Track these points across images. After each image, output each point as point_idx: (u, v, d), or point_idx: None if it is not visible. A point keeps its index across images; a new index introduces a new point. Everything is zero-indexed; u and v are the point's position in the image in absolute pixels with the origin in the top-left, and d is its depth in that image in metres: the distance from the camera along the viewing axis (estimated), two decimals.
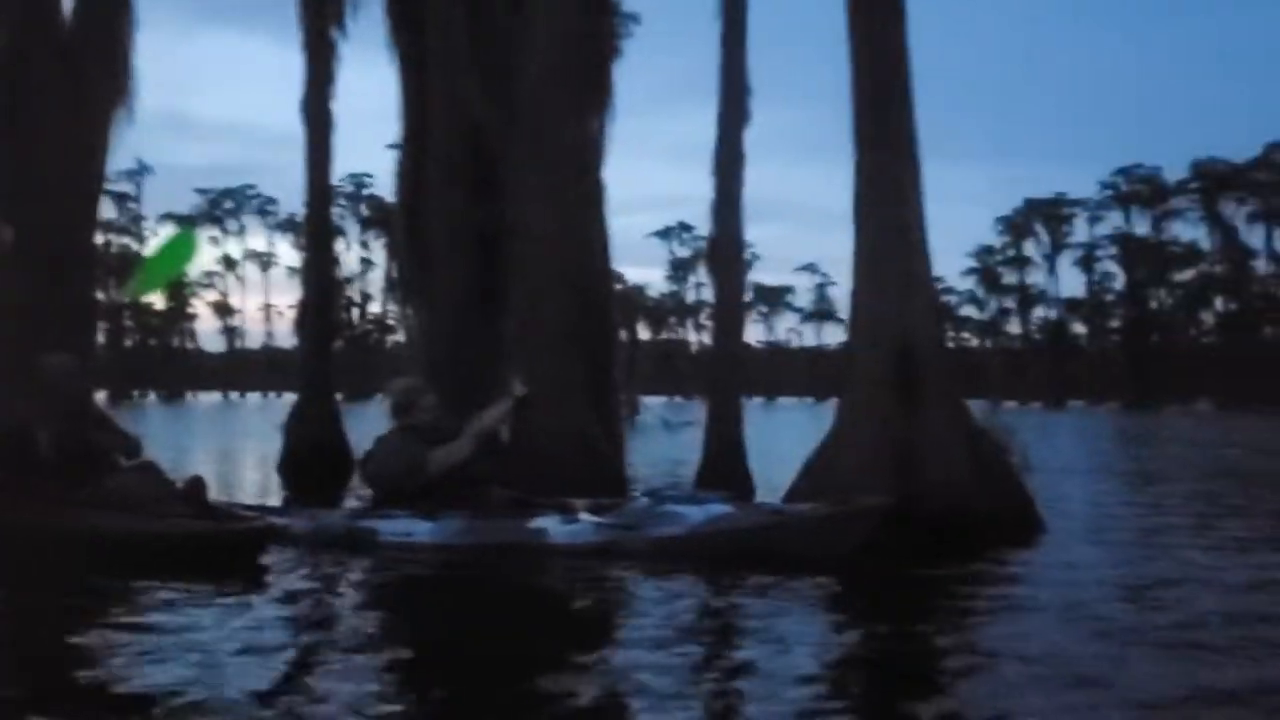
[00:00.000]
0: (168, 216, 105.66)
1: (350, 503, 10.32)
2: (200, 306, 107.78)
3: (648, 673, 4.57)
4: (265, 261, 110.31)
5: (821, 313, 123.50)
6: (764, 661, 4.82)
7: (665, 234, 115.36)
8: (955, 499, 8.70)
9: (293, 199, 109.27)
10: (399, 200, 13.76)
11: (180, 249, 8.18)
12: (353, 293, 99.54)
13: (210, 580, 6.43)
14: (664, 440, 18.58)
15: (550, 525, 7.43)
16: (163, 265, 7.97)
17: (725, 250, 12.30)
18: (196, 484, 7.48)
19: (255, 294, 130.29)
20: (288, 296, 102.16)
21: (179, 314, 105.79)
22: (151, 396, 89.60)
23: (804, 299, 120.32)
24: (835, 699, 4.41)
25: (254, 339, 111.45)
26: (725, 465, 11.80)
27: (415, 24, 12.39)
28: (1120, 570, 7.31)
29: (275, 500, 11.31)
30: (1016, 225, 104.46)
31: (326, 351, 17.00)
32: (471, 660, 4.93)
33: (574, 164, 11.12)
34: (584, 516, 7.49)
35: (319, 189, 16.80)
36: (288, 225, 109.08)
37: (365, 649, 5.05)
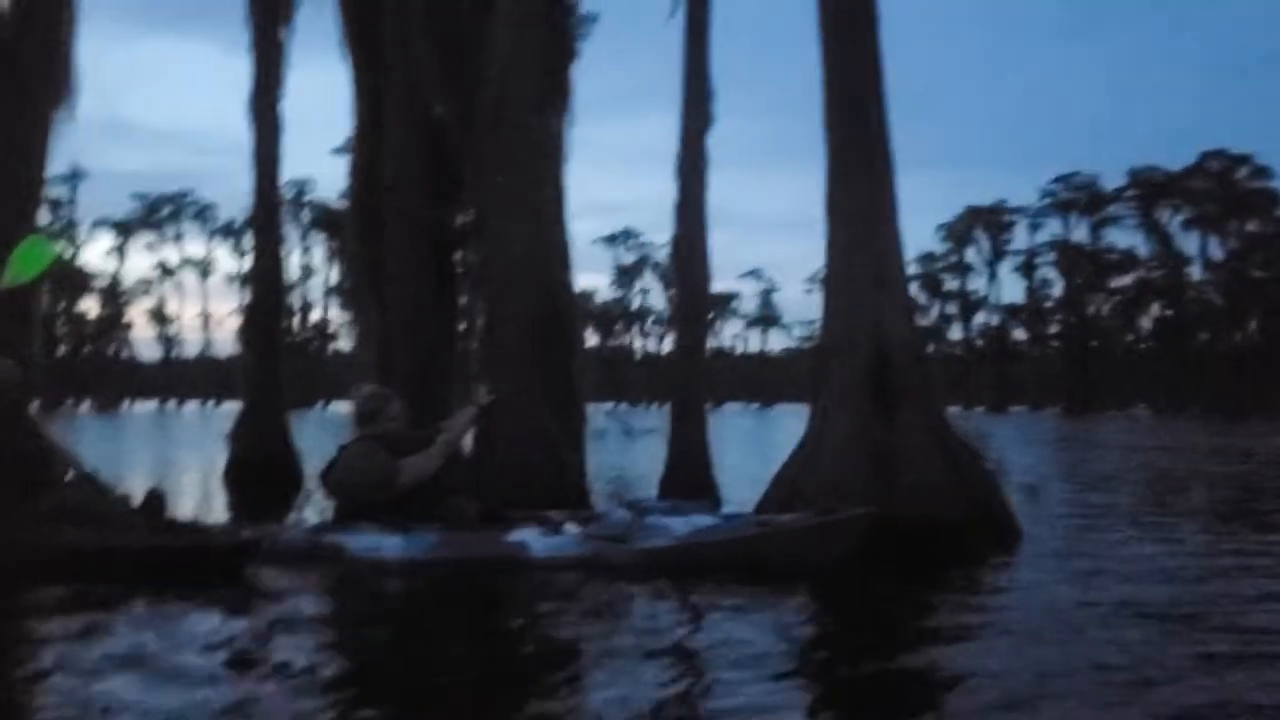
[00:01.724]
0: (103, 222, 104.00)
1: (306, 516, 9.92)
2: (136, 314, 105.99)
3: (615, 691, 4.39)
4: (204, 269, 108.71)
5: (766, 319, 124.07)
6: (742, 682, 4.59)
7: (610, 240, 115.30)
8: (933, 506, 8.53)
9: (232, 205, 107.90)
10: (351, 201, 13.41)
11: (34, 255, 7.88)
12: (293, 300, 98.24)
13: (193, 595, 6.20)
14: (622, 448, 18.31)
15: (530, 538, 7.13)
16: (16, 268, 7.74)
17: (688, 254, 12.05)
18: (155, 498, 7.16)
19: (193, 301, 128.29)
20: (226, 304, 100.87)
21: (114, 322, 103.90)
22: (86, 406, 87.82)
23: (749, 305, 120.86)
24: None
25: (192, 347, 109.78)
26: (689, 474, 11.57)
27: (370, 20, 12.04)
28: (1104, 585, 7.10)
29: (222, 514, 10.90)
30: (957, 232, 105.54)
31: (273, 358, 16.53)
32: (445, 682, 4.64)
33: (538, 165, 10.82)
34: (567, 529, 7.18)
35: (266, 191, 16.37)
36: (227, 231, 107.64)
37: (333, 671, 4.77)
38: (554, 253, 11.51)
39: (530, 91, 10.82)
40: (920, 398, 9.12)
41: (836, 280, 9.26)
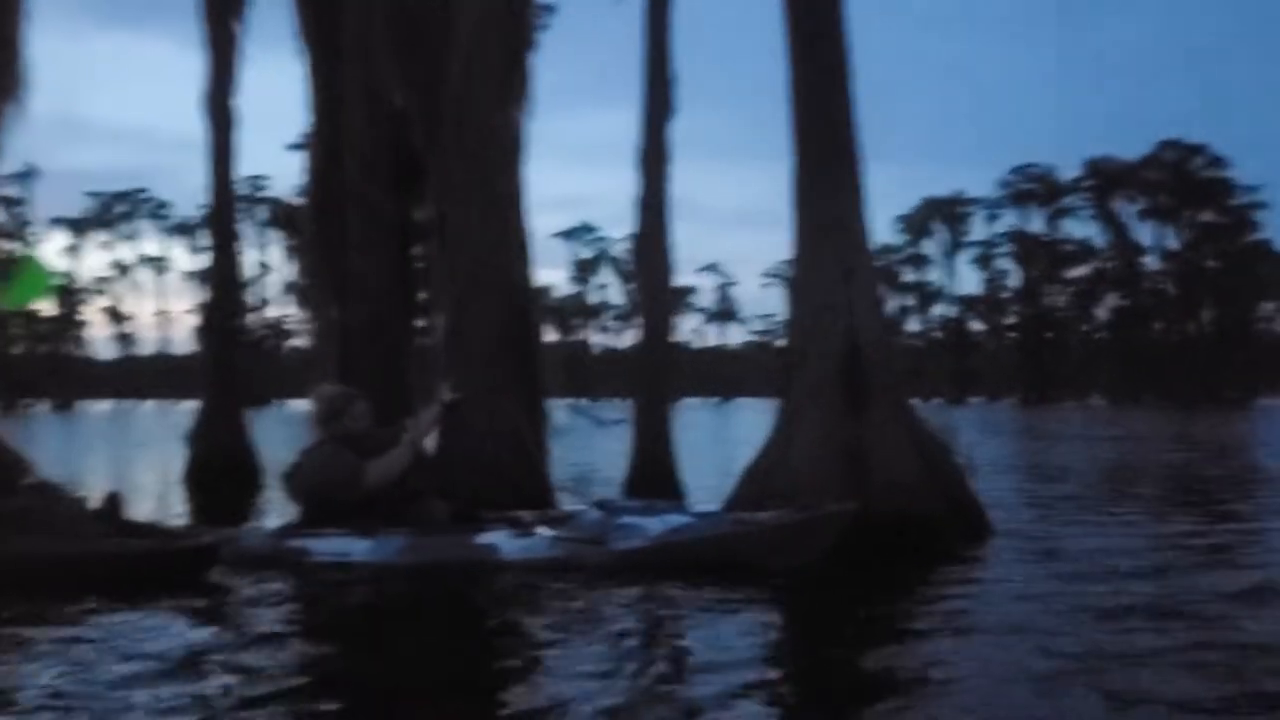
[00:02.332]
0: (58, 221, 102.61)
1: (269, 519, 9.69)
2: (92, 313, 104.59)
3: (587, 695, 4.28)
4: (159, 266, 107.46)
5: (724, 313, 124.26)
6: (717, 684, 4.48)
7: (568, 235, 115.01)
8: (905, 502, 8.42)
9: (186, 203, 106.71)
10: (308, 196, 13.15)
11: (33, 280, 7.82)
12: (249, 297, 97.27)
13: (152, 602, 6.02)
14: (583, 445, 18.20)
15: (501, 541, 6.95)
16: (16, 292, 7.70)
17: (651, 247, 11.92)
18: (113, 501, 6.94)
19: (149, 299, 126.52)
20: (183, 302, 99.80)
21: (70, 320, 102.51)
22: (41, 406, 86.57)
23: (706, 299, 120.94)
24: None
25: (148, 345, 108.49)
26: (654, 471, 11.45)
27: (327, 12, 11.79)
28: (1076, 581, 7.01)
29: (181, 516, 10.66)
30: (915, 224, 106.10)
31: (232, 356, 16.26)
32: (414, 689, 4.48)
33: (500, 158, 10.62)
34: (539, 531, 7.01)
35: (222, 187, 16.08)
36: (182, 229, 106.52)
37: (297, 680, 4.59)
38: (517, 248, 11.32)
39: (493, 83, 10.62)
40: (891, 392, 9.01)
41: (805, 274, 9.12)
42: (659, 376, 12.10)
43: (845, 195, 9.10)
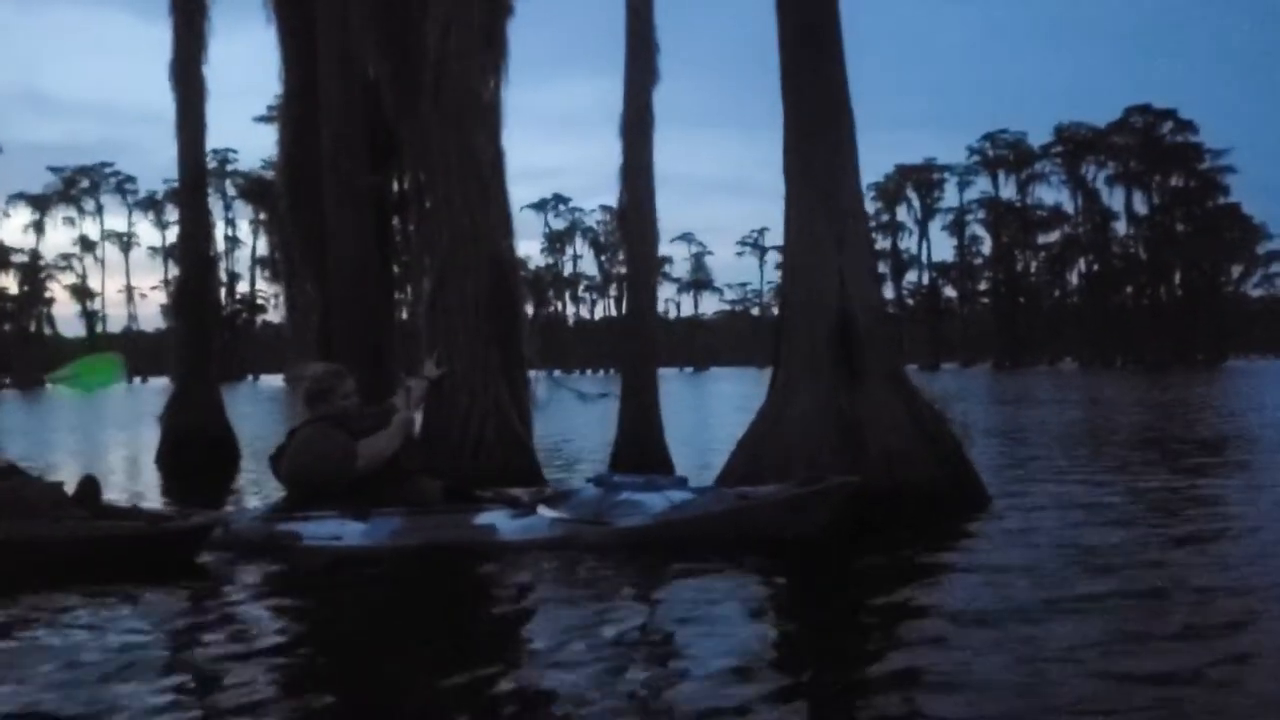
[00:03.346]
0: (19, 196, 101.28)
1: (250, 500, 9.47)
2: (57, 290, 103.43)
3: (589, 678, 4.18)
4: (125, 242, 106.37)
5: (699, 282, 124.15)
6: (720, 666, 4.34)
7: (540, 206, 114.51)
8: (901, 472, 8.30)
9: (152, 177, 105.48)
10: (282, 168, 12.88)
11: (105, 371, 7.91)
12: (220, 272, 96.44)
13: (141, 586, 5.84)
14: (565, 417, 17.98)
15: (500, 520, 6.78)
16: (86, 378, 7.80)
17: (636, 217, 11.70)
18: (90, 484, 6.74)
19: (116, 276, 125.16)
20: (150, 278, 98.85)
21: (35, 298, 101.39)
22: (7, 385, 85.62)
23: (681, 269, 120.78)
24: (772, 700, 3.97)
25: (115, 323, 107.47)
26: (641, 444, 11.29)
27: None
28: (1077, 555, 6.86)
29: (158, 498, 10.43)
30: (888, 191, 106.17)
31: (206, 333, 15.91)
32: (414, 670, 4.30)
33: (482, 126, 10.38)
34: (541, 510, 6.83)
35: (192, 159, 15.68)
36: (148, 204, 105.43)
37: (294, 667, 4.41)
38: (498, 217, 11.10)
39: (472, 50, 10.36)
40: (885, 361, 8.89)
41: (797, 242, 8.94)
42: (644, 348, 11.91)
43: (839, 162, 8.92)
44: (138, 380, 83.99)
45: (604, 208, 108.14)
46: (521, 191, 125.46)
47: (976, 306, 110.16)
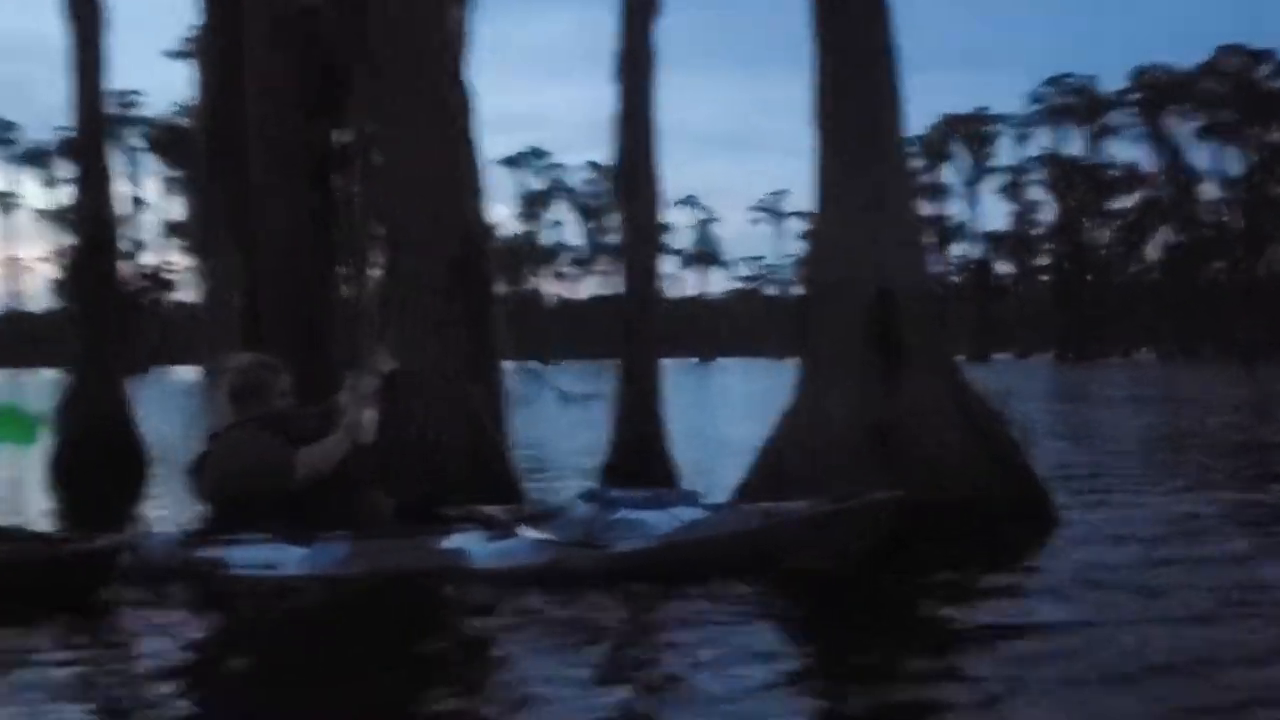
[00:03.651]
0: None
1: (165, 518, 9.45)
2: None
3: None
4: (6, 203, 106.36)
5: (704, 255, 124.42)
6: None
7: (514, 162, 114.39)
8: (951, 484, 8.36)
9: (40, 125, 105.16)
10: (200, 114, 12.86)
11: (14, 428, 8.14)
12: (123, 241, 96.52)
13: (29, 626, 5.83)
14: (548, 419, 18.02)
15: (472, 544, 6.76)
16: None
17: (635, 176, 11.74)
18: None
19: None
20: (37, 247, 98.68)
21: None
22: None
23: (683, 239, 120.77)
24: None
25: None
26: (640, 452, 11.34)
27: None
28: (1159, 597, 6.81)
29: (51, 517, 10.40)
30: (931, 145, 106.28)
31: (106, 315, 15.87)
32: None
33: (441, 67, 10.33)
34: (522, 531, 6.83)
35: (89, 104, 15.61)
36: (34, 157, 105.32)
37: None
38: (464, 176, 11.06)
39: None
40: (932, 350, 8.94)
41: (829, 208, 9.04)
42: (645, 336, 11.94)
43: (881, 114, 8.99)
44: (23, 371, 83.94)
45: (592, 165, 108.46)
46: (492, 144, 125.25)
47: (1035, 285, 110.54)
